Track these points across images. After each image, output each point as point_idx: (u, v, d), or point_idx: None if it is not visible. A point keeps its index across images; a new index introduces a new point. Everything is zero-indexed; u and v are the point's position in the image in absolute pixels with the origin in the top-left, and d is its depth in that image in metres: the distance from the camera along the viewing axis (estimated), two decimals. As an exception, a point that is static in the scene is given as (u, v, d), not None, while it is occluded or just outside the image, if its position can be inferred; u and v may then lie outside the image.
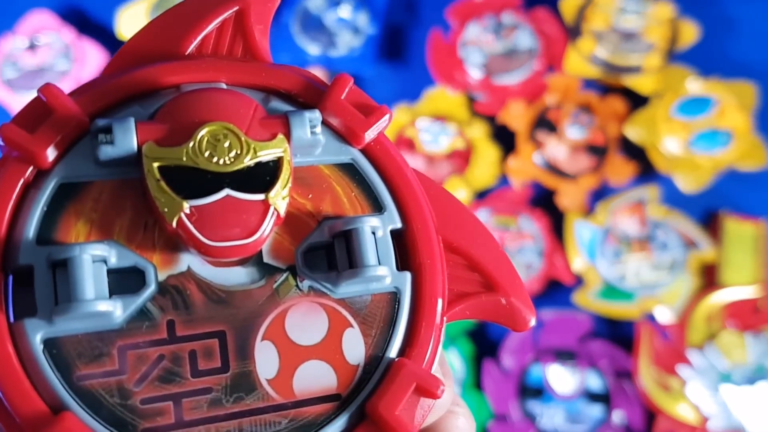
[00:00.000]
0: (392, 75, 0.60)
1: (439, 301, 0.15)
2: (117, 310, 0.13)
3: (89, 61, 0.59)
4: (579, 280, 0.52)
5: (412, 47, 0.61)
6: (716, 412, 0.46)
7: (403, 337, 0.15)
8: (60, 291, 0.13)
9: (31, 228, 0.14)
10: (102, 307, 0.13)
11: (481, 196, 0.54)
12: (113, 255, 0.14)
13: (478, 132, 0.55)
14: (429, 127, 0.56)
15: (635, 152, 0.54)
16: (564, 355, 0.49)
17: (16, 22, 0.61)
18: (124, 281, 0.14)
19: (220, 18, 0.16)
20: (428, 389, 0.14)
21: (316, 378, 0.14)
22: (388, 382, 0.14)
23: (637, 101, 0.56)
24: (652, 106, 0.55)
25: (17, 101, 0.59)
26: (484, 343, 0.50)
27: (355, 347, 0.15)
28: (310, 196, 0.15)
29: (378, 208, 0.15)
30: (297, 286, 0.15)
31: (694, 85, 0.55)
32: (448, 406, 0.17)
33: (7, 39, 0.60)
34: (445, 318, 0.15)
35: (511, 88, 0.57)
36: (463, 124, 0.56)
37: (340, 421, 0.14)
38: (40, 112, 0.14)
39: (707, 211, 0.54)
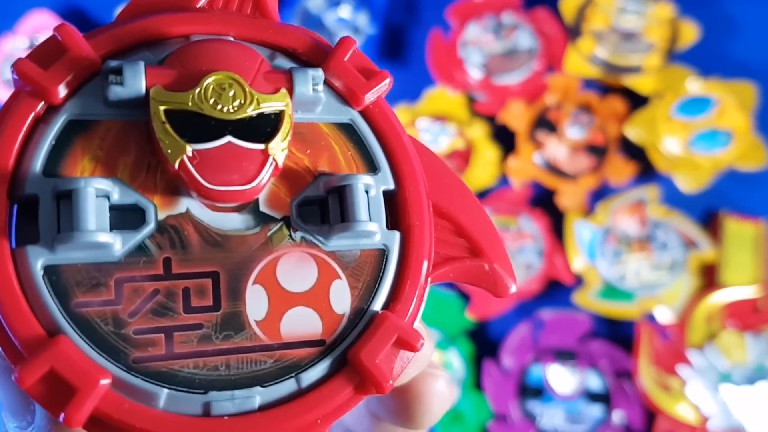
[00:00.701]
0: (392, 75, 0.60)
1: (425, 262, 0.16)
2: (116, 244, 0.14)
3: (89, 61, 0.59)
4: (579, 280, 0.52)
5: (412, 47, 0.61)
6: (716, 412, 0.46)
7: (388, 292, 0.15)
8: (63, 221, 0.14)
9: (38, 160, 0.14)
10: (102, 238, 0.14)
11: (481, 196, 0.54)
12: (116, 192, 0.14)
13: (478, 132, 0.55)
14: (429, 127, 0.56)
15: (635, 152, 0.54)
16: (564, 355, 0.49)
17: (16, 22, 0.61)
18: (124, 218, 0.14)
19: None
20: (408, 342, 0.15)
21: (302, 323, 0.15)
22: (370, 333, 0.15)
23: (637, 101, 0.56)
24: (652, 106, 0.55)
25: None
26: (484, 343, 0.50)
27: (341, 298, 0.15)
28: (308, 151, 0.16)
29: (373, 168, 0.16)
30: (290, 236, 0.15)
31: (694, 85, 0.55)
32: (427, 363, 0.17)
33: (7, 39, 0.60)
34: (429, 278, 0.16)
35: (511, 88, 0.57)
36: (463, 124, 0.56)
37: (323, 366, 0.15)
38: (55, 50, 0.15)
39: (707, 211, 0.54)
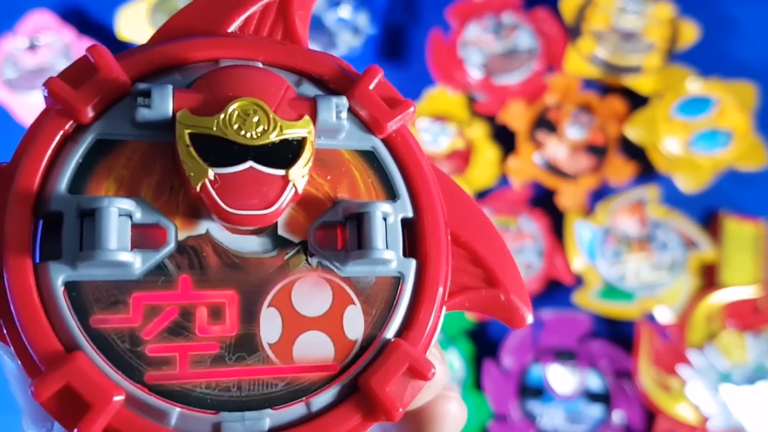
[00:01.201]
0: (392, 75, 0.60)
1: (440, 290, 0.16)
2: (136, 263, 0.14)
3: (89, 61, 0.59)
4: (579, 280, 0.52)
5: (412, 47, 0.61)
6: (716, 412, 0.46)
7: (402, 320, 0.16)
8: (85, 238, 0.14)
9: (65, 177, 0.14)
10: (123, 257, 0.14)
11: (481, 196, 0.54)
12: (138, 211, 0.14)
13: (478, 132, 0.55)
14: (429, 127, 0.56)
15: (635, 152, 0.54)
16: (564, 355, 0.49)
17: (16, 22, 0.61)
18: (146, 237, 0.15)
19: (265, 1, 0.17)
20: (420, 370, 0.15)
21: (315, 348, 0.15)
22: (382, 360, 0.15)
23: (637, 101, 0.56)
24: (652, 106, 0.55)
25: (17, 101, 0.59)
26: (484, 343, 0.50)
27: (355, 323, 0.15)
28: (329, 177, 0.16)
29: (392, 196, 0.16)
30: (307, 260, 0.15)
31: (694, 85, 0.55)
32: (440, 390, 0.17)
33: (7, 39, 0.60)
34: (444, 306, 0.16)
35: (511, 88, 0.57)
36: (463, 124, 0.56)
37: (333, 391, 0.15)
38: (86, 70, 0.15)
39: (707, 211, 0.54)
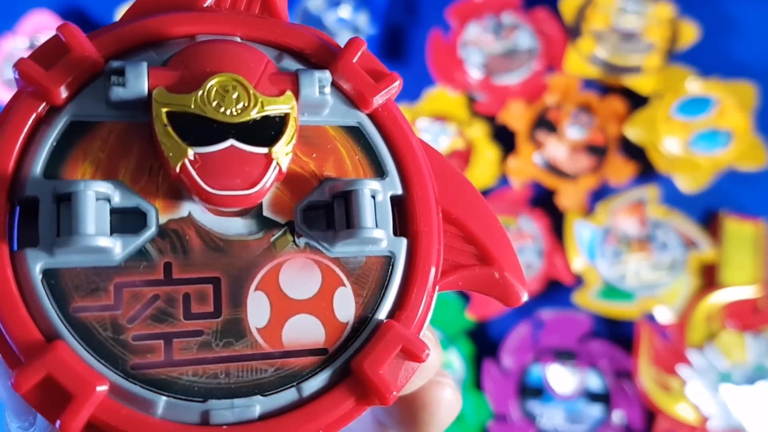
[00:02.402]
0: (392, 75, 0.60)
1: (432, 269, 0.15)
2: (116, 248, 0.14)
3: (89, 61, 0.59)
4: (579, 280, 0.52)
5: (412, 47, 0.61)
6: (716, 412, 0.46)
7: (394, 301, 0.15)
8: (62, 224, 0.13)
9: (39, 162, 0.14)
10: (102, 242, 0.13)
11: (481, 196, 0.54)
12: (117, 195, 0.14)
13: (478, 132, 0.56)
14: (429, 127, 0.56)
15: (635, 152, 0.54)
16: (564, 355, 0.49)
17: (16, 22, 0.61)
18: (125, 221, 0.14)
19: None
20: (414, 352, 0.14)
21: (305, 331, 0.14)
22: (374, 342, 0.14)
23: (637, 101, 0.56)
24: (652, 106, 0.55)
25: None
26: (484, 343, 0.50)
27: (345, 305, 0.15)
28: (314, 155, 0.15)
29: (380, 173, 0.16)
30: (294, 241, 0.15)
31: (694, 85, 0.55)
32: (434, 375, 0.17)
33: (7, 39, 0.60)
34: (437, 286, 0.16)
35: (511, 88, 0.57)
36: (463, 124, 0.56)
37: (325, 375, 0.14)
38: (57, 50, 0.14)
39: (707, 211, 0.54)
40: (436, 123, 0.56)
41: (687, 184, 0.53)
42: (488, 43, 0.58)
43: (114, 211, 0.14)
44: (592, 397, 0.47)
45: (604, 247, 0.51)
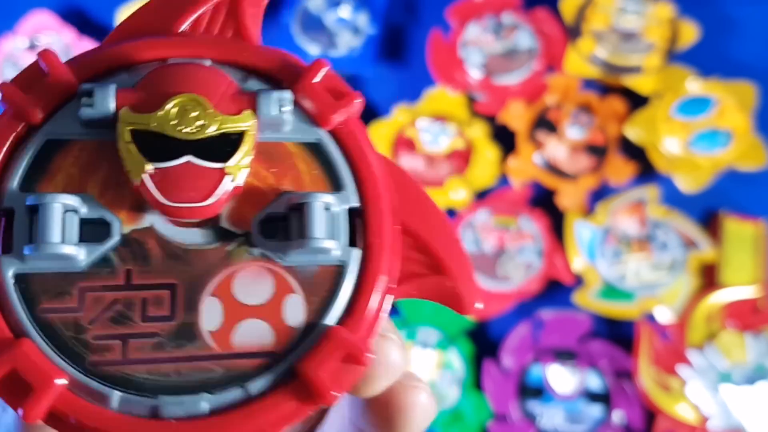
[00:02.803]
0: (392, 75, 0.60)
1: (382, 278, 0.16)
2: (81, 255, 0.15)
3: (89, 61, 0.59)
4: (579, 280, 0.52)
5: (412, 47, 0.61)
6: (716, 412, 0.46)
7: (344, 309, 0.16)
8: (33, 233, 0.15)
9: (17, 176, 0.16)
10: (66, 250, 0.15)
11: (481, 196, 0.54)
12: (84, 207, 0.15)
13: (478, 132, 0.56)
14: (429, 127, 0.56)
15: (635, 152, 0.54)
16: (564, 355, 0.49)
17: (17, 22, 0.61)
18: (92, 231, 0.15)
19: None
20: (357, 356, 0.15)
21: (254, 335, 0.15)
22: (320, 347, 0.15)
23: (637, 101, 0.56)
24: (652, 106, 0.55)
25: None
26: (484, 343, 0.50)
27: (295, 312, 0.16)
28: (274, 170, 0.16)
29: (337, 186, 0.17)
30: (249, 251, 0.16)
31: (694, 85, 0.55)
32: (402, 376, 0.18)
33: (7, 39, 0.60)
34: (391, 295, 0.16)
35: (511, 88, 0.57)
36: (463, 124, 0.56)
37: (270, 376, 0.15)
38: (36, 75, 0.16)
39: (707, 211, 0.54)
40: (436, 123, 0.56)
41: (687, 184, 0.53)
42: (488, 43, 0.58)
43: (82, 222, 0.15)
44: (592, 397, 0.48)
45: (604, 247, 0.51)
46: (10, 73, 0.60)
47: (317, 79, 0.17)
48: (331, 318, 0.16)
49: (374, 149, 0.17)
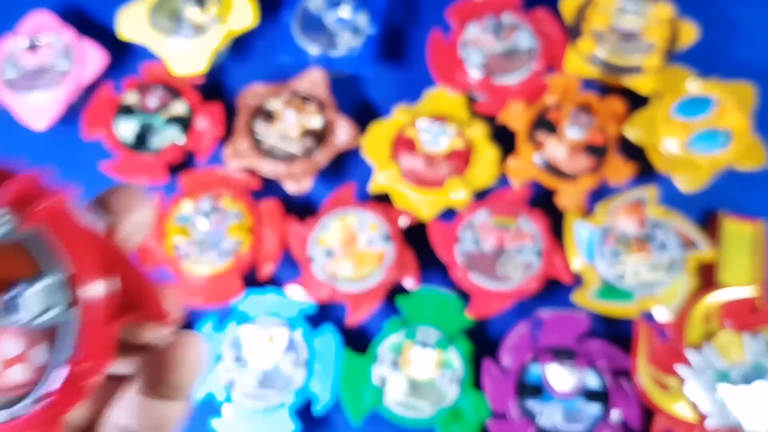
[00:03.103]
0: (392, 75, 0.60)
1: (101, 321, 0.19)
2: None
3: (89, 61, 0.59)
4: (578, 280, 0.52)
5: (412, 47, 0.61)
6: (714, 411, 0.46)
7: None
8: None
9: None
10: None
11: (481, 196, 0.54)
12: None
13: (478, 132, 0.56)
14: (429, 128, 0.56)
15: (635, 152, 0.54)
16: (563, 354, 0.49)
17: (17, 22, 0.61)
18: None
19: None
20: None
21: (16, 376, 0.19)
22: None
23: (636, 101, 0.56)
24: (652, 107, 0.55)
25: (17, 101, 0.59)
26: (483, 342, 0.50)
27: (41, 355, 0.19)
28: None
29: (47, 266, 0.19)
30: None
31: (694, 86, 0.55)
32: (179, 333, 0.20)
33: (7, 39, 0.60)
34: (115, 327, 0.19)
35: (511, 89, 0.57)
36: (463, 124, 0.56)
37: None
38: None
39: (706, 211, 0.54)
40: (436, 123, 0.56)
41: (686, 184, 0.53)
42: (488, 43, 0.58)
43: None
44: (591, 395, 0.48)
45: (603, 246, 0.51)
46: (10, 73, 0.60)
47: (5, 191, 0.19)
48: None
49: (81, 226, 0.19)
